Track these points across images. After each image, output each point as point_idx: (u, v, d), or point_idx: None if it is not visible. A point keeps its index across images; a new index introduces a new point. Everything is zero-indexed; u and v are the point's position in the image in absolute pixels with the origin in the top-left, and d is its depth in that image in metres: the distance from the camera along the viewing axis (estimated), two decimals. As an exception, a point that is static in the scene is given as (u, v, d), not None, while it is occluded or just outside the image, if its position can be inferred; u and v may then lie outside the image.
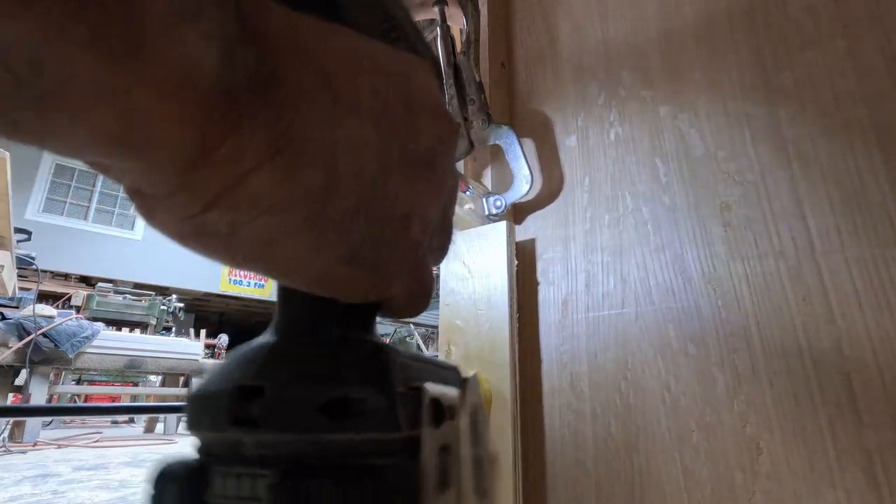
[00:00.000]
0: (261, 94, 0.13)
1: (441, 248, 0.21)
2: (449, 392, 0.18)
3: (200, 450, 0.16)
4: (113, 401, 4.81)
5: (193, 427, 0.16)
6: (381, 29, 0.21)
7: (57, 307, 4.23)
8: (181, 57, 0.11)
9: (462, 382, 0.19)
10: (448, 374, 0.19)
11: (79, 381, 4.43)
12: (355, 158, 0.15)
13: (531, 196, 0.60)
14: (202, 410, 0.15)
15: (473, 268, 0.58)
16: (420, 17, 0.59)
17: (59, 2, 0.10)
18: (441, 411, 0.16)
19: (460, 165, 0.64)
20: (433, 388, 0.16)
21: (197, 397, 0.16)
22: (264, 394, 0.14)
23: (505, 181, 0.60)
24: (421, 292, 0.19)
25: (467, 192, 0.58)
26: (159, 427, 4.24)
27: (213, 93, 0.12)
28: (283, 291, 0.18)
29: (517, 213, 0.62)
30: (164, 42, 0.11)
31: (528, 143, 0.63)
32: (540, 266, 0.58)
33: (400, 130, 0.16)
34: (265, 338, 0.17)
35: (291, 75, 0.14)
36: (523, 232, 0.61)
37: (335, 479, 0.14)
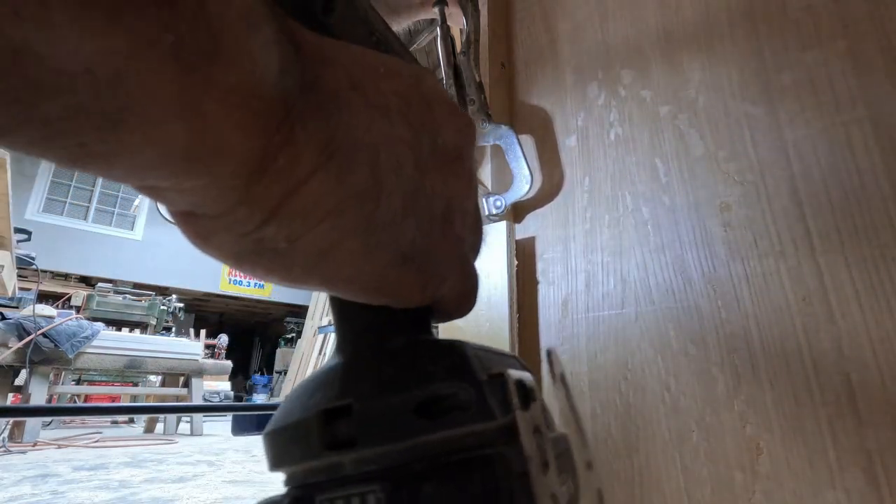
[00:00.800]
0: (310, 102, 0.13)
1: (477, 244, 0.21)
2: (525, 374, 0.17)
3: (293, 483, 0.15)
4: (113, 401, 4.81)
5: (281, 462, 0.15)
6: (371, 42, 0.21)
7: (57, 307, 4.23)
8: (250, 65, 0.11)
9: (548, 355, 0.21)
10: (512, 361, 0.19)
11: (79, 381, 4.43)
12: (395, 156, 0.15)
13: (531, 196, 0.60)
14: (289, 443, 0.15)
15: (473, 268, 0.58)
16: (420, 16, 0.59)
17: (145, 14, 0.09)
18: (528, 393, 0.16)
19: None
20: (514, 372, 0.16)
21: (278, 431, 0.15)
22: (353, 411, 0.14)
23: (505, 181, 0.60)
24: (469, 290, 0.19)
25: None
26: (159, 427, 4.24)
27: (274, 101, 0.12)
28: (338, 311, 0.18)
29: (517, 212, 0.62)
30: (236, 51, 0.11)
31: (528, 143, 0.63)
32: (540, 266, 0.58)
33: (427, 125, 0.17)
34: (331, 361, 0.17)
35: (330, 82, 0.14)
36: (523, 231, 0.61)
37: (445, 480, 0.13)
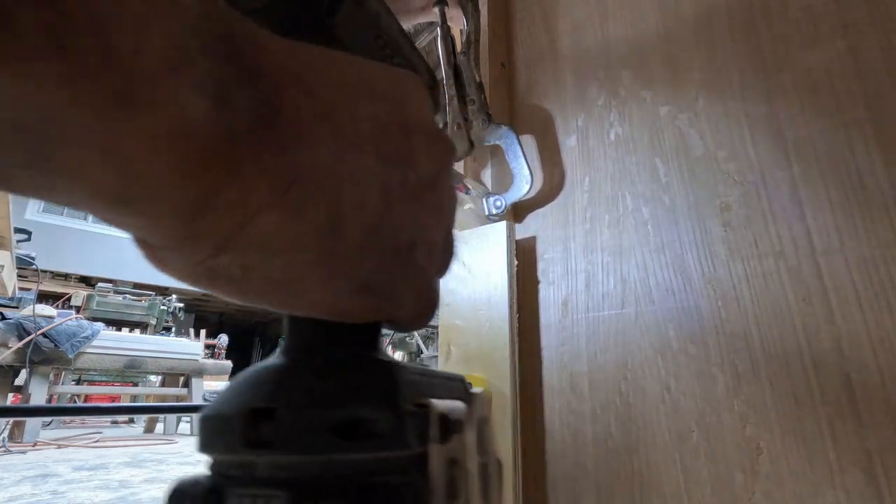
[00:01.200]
0: (262, 135, 0.13)
1: (445, 266, 0.21)
2: (455, 406, 0.18)
3: (214, 470, 0.16)
4: (113, 401, 4.81)
5: (207, 448, 0.16)
6: (376, 46, 0.21)
7: (57, 307, 4.23)
8: (173, 108, 0.11)
9: (469, 397, 0.20)
10: (454, 385, 0.20)
11: (79, 381, 4.43)
12: (360, 190, 0.15)
13: (531, 196, 0.60)
14: (215, 432, 0.16)
15: (473, 268, 0.58)
16: (420, 19, 0.59)
17: (40, 56, 0.09)
18: (448, 427, 0.17)
19: (460, 165, 0.64)
20: (440, 403, 0.17)
21: (210, 419, 0.16)
22: (276, 415, 0.14)
23: (505, 181, 0.60)
24: (426, 311, 0.19)
25: (467, 193, 0.58)
26: (159, 427, 4.24)
27: (210, 140, 0.12)
28: (290, 315, 0.19)
29: (517, 212, 0.62)
30: (154, 95, 0.11)
31: (529, 143, 0.63)
32: (540, 266, 0.58)
33: (400, 156, 0.16)
34: (275, 359, 0.18)
35: (292, 111, 0.13)
36: (523, 230, 0.61)
37: (347, 499, 0.14)
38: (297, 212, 0.13)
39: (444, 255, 0.20)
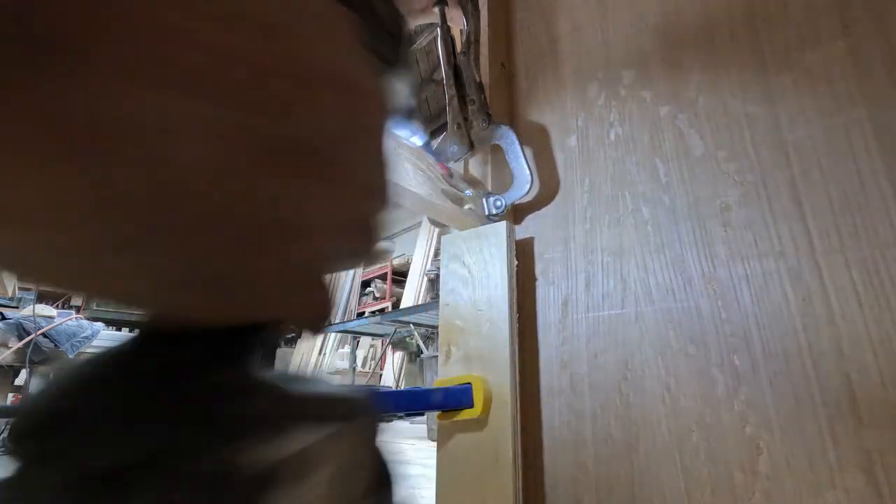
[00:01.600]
0: (30, 60, 0.09)
1: (353, 253, 0.16)
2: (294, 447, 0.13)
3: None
4: (113, 401, 4.80)
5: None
6: None
7: (57, 307, 4.23)
8: None
9: (340, 428, 0.15)
10: (331, 408, 0.15)
11: (79, 382, 4.42)
12: (183, 147, 0.11)
13: (531, 196, 0.60)
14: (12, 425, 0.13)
15: (473, 268, 0.58)
16: (420, 20, 0.59)
17: None
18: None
19: (460, 165, 0.64)
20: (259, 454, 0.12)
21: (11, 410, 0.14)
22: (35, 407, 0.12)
23: (505, 181, 0.60)
24: (308, 319, 0.15)
25: (467, 193, 0.58)
26: (159, 427, 4.23)
27: None
28: None
29: (517, 213, 0.62)
30: None
31: (528, 143, 0.63)
32: (540, 266, 0.58)
33: (268, 107, 0.12)
34: (119, 346, 0.14)
35: (72, 38, 0.10)
36: (522, 231, 0.61)
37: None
38: (64, 168, 0.10)
39: (347, 240, 0.15)
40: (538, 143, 0.63)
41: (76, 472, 0.11)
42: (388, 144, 0.16)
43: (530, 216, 0.61)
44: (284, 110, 0.12)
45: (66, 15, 0.10)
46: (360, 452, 0.15)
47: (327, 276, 0.16)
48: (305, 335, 0.16)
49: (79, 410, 0.12)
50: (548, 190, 0.60)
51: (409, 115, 0.44)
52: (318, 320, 0.15)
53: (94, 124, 0.10)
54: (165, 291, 0.12)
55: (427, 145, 0.56)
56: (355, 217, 0.15)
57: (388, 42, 0.21)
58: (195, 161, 0.11)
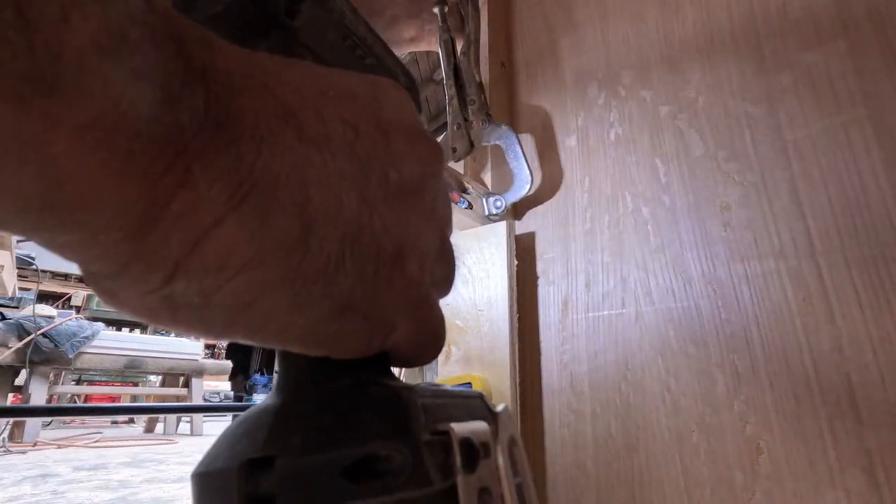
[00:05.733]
0: (214, 137, 0.11)
1: (445, 279, 0.19)
2: (479, 427, 0.16)
3: None
4: (113, 401, 4.81)
5: None
6: (345, 47, 0.19)
7: (57, 307, 4.23)
8: (107, 98, 0.10)
9: (493, 417, 0.18)
10: (473, 403, 0.18)
11: (79, 381, 4.43)
12: (331, 195, 0.13)
13: (531, 194, 0.60)
14: (210, 491, 0.14)
15: (473, 268, 0.58)
16: (411, 48, 0.60)
17: None
18: (474, 453, 0.15)
19: (460, 165, 0.64)
20: (462, 427, 0.15)
21: (202, 476, 0.14)
22: (275, 465, 0.13)
23: (505, 181, 0.60)
24: (425, 335, 0.17)
25: (467, 193, 0.58)
26: (159, 427, 4.24)
27: (155, 139, 0.10)
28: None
29: (517, 209, 0.62)
30: (84, 80, 0.09)
31: (529, 143, 0.63)
32: (540, 266, 0.58)
33: (378, 158, 0.15)
34: (269, 399, 0.16)
35: (248, 114, 0.12)
36: (523, 227, 0.61)
37: None
38: (259, 223, 0.12)
39: (442, 265, 0.18)
40: (538, 143, 0.63)
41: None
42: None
43: (530, 215, 0.61)
44: (390, 159, 0.15)
45: (240, 99, 0.12)
46: (513, 434, 0.18)
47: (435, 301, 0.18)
48: (417, 363, 0.18)
49: (326, 459, 0.13)
50: (548, 187, 0.60)
51: None
52: (432, 342, 0.18)
53: (282, 182, 0.13)
54: (326, 322, 0.14)
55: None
56: (442, 244, 0.18)
57: (416, 97, 0.24)
58: (344, 206, 0.14)
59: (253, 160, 0.12)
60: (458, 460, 0.14)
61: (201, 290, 0.12)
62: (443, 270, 0.18)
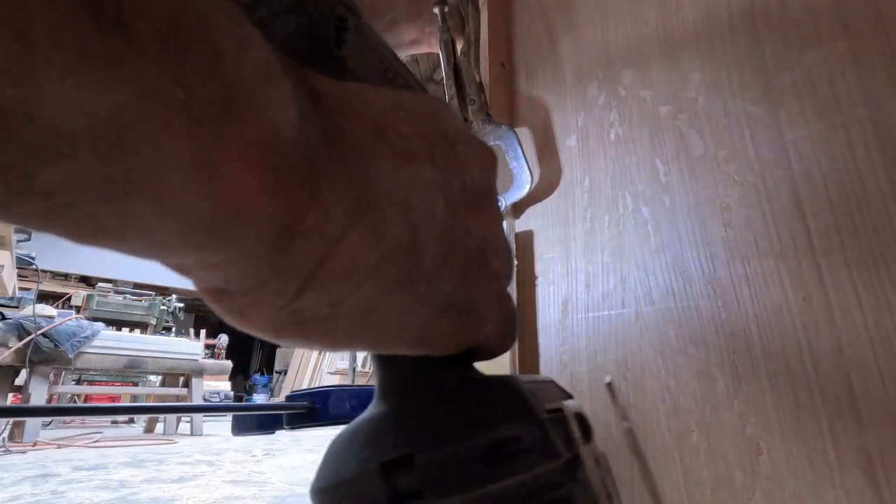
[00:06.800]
0: (332, 154, 0.12)
1: (511, 271, 0.20)
2: (579, 405, 0.17)
3: None
4: (113, 401, 4.81)
5: None
6: (380, 71, 0.21)
7: (57, 307, 4.23)
8: (266, 119, 0.10)
9: (608, 387, 0.20)
10: (553, 387, 0.19)
11: (79, 381, 4.43)
12: (427, 202, 0.15)
13: (531, 195, 0.60)
14: (346, 499, 0.14)
15: (473, 268, 0.58)
16: (411, 51, 0.60)
17: (151, 62, 0.08)
18: (587, 424, 0.16)
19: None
20: (570, 405, 0.16)
21: (331, 489, 0.14)
22: (415, 462, 0.13)
23: (505, 181, 0.60)
24: (510, 325, 0.19)
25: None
26: (159, 427, 4.24)
27: (296, 155, 0.11)
28: (378, 357, 0.18)
29: (516, 207, 0.62)
30: (253, 104, 0.10)
31: (528, 143, 0.63)
32: (540, 266, 0.58)
33: (454, 165, 0.16)
34: (375, 409, 0.17)
35: (349, 132, 0.13)
36: (521, 226, 0.61)
37: None
38: (375, 233, 0.13)
39: (509, 262, 0.20)
40: (538, 143, 0.63)
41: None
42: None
43: (530, 214, 0.61)
44: (462, 166, 0.17)
45: (343, 119, 0.14)
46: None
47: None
48: (499, 352, 0.19)
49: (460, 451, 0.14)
50: (547, 185, 0.60)
51: None
52: (513, 332, 0.19)
53: (390, 194, 0.14)
54: (432, 322, 0.15)
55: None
56: (507, 242, 0.20)
57: None
58: (437, 211, 0.15)
59: (364, 172, 0.13)
60: (576, 432, 0.15)
61: (330, 301, 0.13)
62: (508, 264, 0.20)
